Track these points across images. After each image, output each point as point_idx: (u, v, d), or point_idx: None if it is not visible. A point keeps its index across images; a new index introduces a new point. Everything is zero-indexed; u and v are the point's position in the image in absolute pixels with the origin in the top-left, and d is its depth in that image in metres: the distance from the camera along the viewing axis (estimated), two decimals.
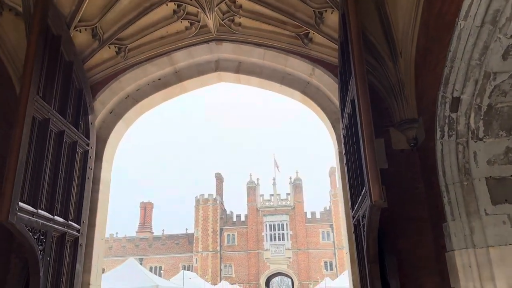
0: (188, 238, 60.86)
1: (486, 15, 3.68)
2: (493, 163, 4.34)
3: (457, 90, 4.27)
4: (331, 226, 56.19)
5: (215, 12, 6.27)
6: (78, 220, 5.51)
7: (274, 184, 60.27)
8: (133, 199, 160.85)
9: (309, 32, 6.21)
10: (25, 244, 4.41)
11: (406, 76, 5.42)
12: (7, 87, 5.94)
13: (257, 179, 60.26)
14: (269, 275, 56.58)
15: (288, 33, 6.39)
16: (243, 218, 59.45)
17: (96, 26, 6.02)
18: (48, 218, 4.75)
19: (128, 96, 6.80)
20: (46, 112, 4.85)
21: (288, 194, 59.19)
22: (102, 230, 6.24)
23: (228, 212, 61.29)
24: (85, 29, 5.97)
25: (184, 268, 49.08)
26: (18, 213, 4.15)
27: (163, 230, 64.27)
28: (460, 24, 3.84)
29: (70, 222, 5.26)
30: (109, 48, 6.39)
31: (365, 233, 4.18)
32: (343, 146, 5.63)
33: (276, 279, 63.48)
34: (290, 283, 59.57)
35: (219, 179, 64.35)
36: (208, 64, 6.97)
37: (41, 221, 4.59)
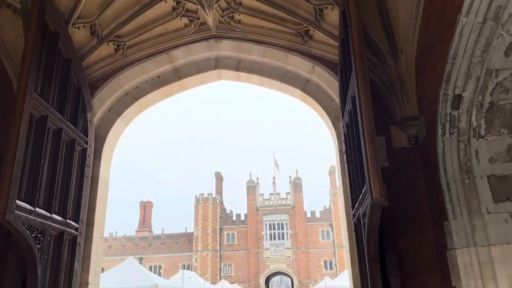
0: (188, 237, 60.85)
1: (488, 11, 3.64)
2: (495, 161, 4.30)
3: (458, 88, 4.23)
4: (331, 225, 56.22)
5: (214, 9, 6.22)
6: (76, 219, 5.47)
7: (274, 183, 60.29)
8: (132, 198, 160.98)
9: (309, 29, 6.17)
10: (22, 243, 4.37)
11: (407, 73, 5.38)
12: (5, 86, 5.90)
13: (257, 178, 60.29)
14: (269, 274, 56.60)
15: (288, 30, 6.35)
16: (242, 217, 59.46)
17: (94, 23, 5.98)
18: (46, 216, 4.71)
19: (127, 94, 6.76)
20: (44, 110, 4.80)
21: (288, 193, 59.19)
22: (100, 228, 6.20)
23: (227, 211, 61.30)
24: (84, 26, 5.93)
25: (183, 267, 49.14)
26: (16, 211, 4.11)
27: (162, 229, 64.33)
28: (462, 20, 3.80)
29: (68, 220, 5.22)
30: (108, 45, 6.35)
31: (365, 231, 4.14)
32: (343, 144, 5.59)
33: (276, 278, 63.48)
34: (289, 283, 59.58)
35: (219, 178, 64.35)
36: (208, 61, 6.93)
37: (38, 219, 4.55)
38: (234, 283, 49.61)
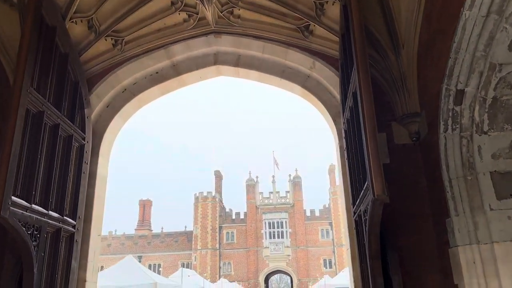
0: (187, 236, 60.90)
1: (492, 5, 3.58)
2: (498, 157, 4.23)
3: (461, 83, 4.16)
4: (331, 223, 56.27)
5: (214, 4, 6.15)
6: (73, 216, 5.41)
7: (273, 181, 60.37)
8: (132, 197, 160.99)
9: (309, 24, 6.10)
10: (18, 240, 4.30)
11: (408, 69, 5.31)
12: (2, 83, 5.82)
13: (257, 177, 60.37)
14: (268, 272, 56.67)
15: (288, 25, 6.27)
16: (242, 216, 59.50)
17: (92, 18, 5.90)
18: (43, 213, 4.64)
19: (125, 89, 6.68)
20: (41, 105, 4.73)
21: (287, 191, 59.24)
22: (98, 226, 6.13)
23: (227, 210, 61.34)
24: (81, 21, 5.85)
25: (183, 266, 49.18)
26: (11, 207, 4.04)
27: (162, 228, 64.42)
28: (465, 14, 3.73)
29: (65, 217, 5.16)
30: (106, 40, 6.27)
31: (367, 228, 4.08)
32: (344, 140, 5.53)
33: (275, 277, 63.55)
34: (289, 281, 59.66)
35: (218, 176, 64.37)
36: (207, 57, 6.84)
37: (35, 216, 4.48)
38: (234, 281, 49.61)
